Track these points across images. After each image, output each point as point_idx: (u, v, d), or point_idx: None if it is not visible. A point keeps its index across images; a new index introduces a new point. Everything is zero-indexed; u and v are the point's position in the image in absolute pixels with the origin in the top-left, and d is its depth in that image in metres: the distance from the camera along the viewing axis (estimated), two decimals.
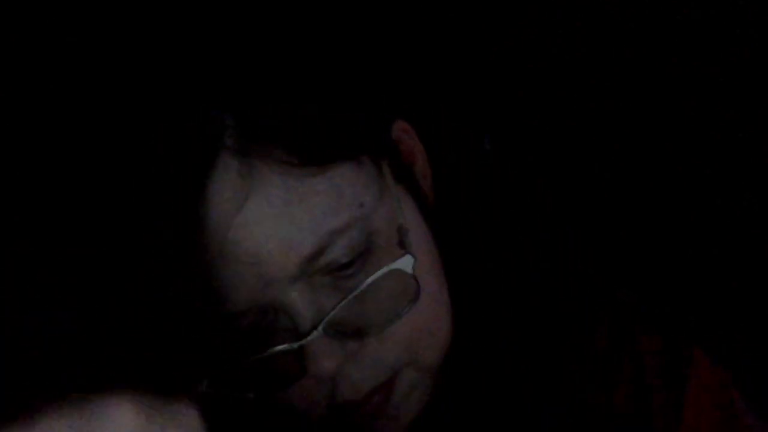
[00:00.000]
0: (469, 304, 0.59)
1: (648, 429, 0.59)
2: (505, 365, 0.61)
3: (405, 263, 0.55)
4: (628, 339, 0.61)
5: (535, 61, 0.83)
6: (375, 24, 0.74)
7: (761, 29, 0.79)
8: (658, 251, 0.84)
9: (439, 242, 0.59)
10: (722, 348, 0.62)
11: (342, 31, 0.62)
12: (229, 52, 0.53)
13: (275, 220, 0.51)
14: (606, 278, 0.67)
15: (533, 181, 0.83)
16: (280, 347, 0.53)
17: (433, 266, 0.58)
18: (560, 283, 0.66)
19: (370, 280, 0.54)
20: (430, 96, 0.73)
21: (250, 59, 0.54)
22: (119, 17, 0.55)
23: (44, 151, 0.55)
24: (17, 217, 0.56)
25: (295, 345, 0.53)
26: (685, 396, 0.59)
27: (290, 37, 0.56)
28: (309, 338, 0.53)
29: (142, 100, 0.52)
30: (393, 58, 0.72)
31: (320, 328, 0.53)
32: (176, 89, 0.52)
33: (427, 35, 0.79)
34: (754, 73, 0.80)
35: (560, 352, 0.61)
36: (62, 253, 0.54)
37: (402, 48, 0.75)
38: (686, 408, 0.59)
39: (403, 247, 0.56)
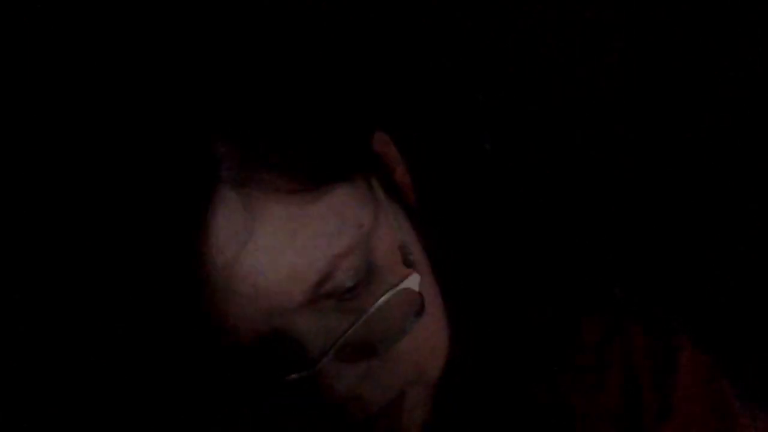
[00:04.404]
0: (460, 310, 0.59)
1: (638, 423, 0.59)
2: (496, 366, 0.61)
3: (412, 282, 0.54)
4: (618, 334, 0.61)
5: (535, 61, 0.83)
6: (356, 30, 0.74)
7: (761, 29, 0.79)
8: (648, 246, 0.84)
9: (428, 249, 0.59)
10: (711, 336, 0.62)
11: (325, 44, 0.61)
12: (216, 76, 0.52)
13: (280, 251, 0.50)
14: (595, 274, 0.67)
15: (524, 180, 0.83)
16: (291, 376, 0.52)
17: (428, 277, 0.57)
18: (550, 281, 0.66)
19: (379, 302, 0.53)
20: (404, 102, 0.73)
21: (236, 81, 0.52)
22: (110, 44, 0.54)
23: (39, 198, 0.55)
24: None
25: (307, 372, 0.52)
26: (674, 387, 0.59)
27: (274, 56, 0.54)
28: (321, 364, 0.52)
29: (135, 129, 0.50)
30: (372, 66, 0.72)
31: (331, 353, 0.52)
32: (167, 117, 0.50)
33: (418, 38, 0.80)
34: (754, 73, 0.80)
35: (550, 350, 0.61)
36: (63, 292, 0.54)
37: (384, 55, 0.74)
38: (676, 398, 0.59)
39: (409, 265, 0.55)
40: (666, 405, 0.59)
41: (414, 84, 0.78)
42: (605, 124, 0.84)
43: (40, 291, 0.57)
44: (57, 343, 0.57)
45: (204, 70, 0.52)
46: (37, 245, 0.55)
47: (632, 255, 0.84)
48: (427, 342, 0.56)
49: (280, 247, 0.50)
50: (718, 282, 0.83)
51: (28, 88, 0.59)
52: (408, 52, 0.78)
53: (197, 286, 0.50)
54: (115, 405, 0.55)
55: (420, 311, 0.55)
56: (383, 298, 0.53)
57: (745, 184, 0.82)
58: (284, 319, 0.52)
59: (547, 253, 0.73)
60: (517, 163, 0.84)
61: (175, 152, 0.49)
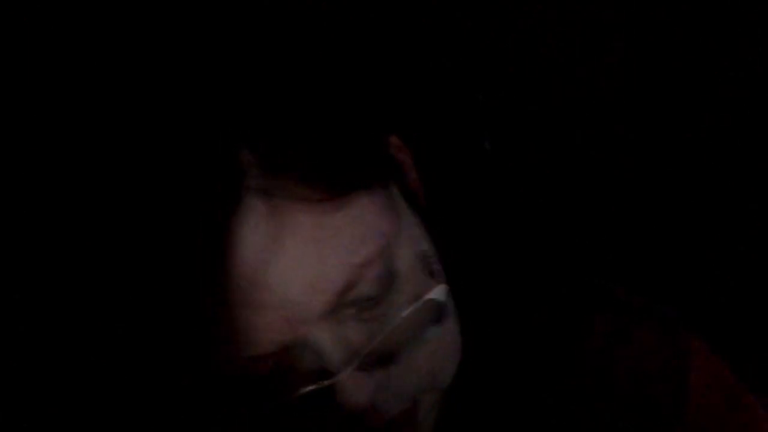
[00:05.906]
0: (466, 313, 0.58)
1: (650, 425, 0.59)
2: (506, 367, 0.60)
3: (439, 293, 0.54)
4: (626, 335, 0.61)
5: (535, 61, 0.83)
6: (363, 32, 0.74)
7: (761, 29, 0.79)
8: (649, 246, 0.84)
9: (438, 252, 0.58)
10: (711, 336, 0.62)
11: (341, 50, 0.61)
12: (241, 87, 0.52)
13: (305, 261, 0.50)
14: (602, 274, 0.66)
15: (524, 180, 0.83)
16: (310, 387, 0.51)
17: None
18: (552, 282, 0.65)
19: (405, 313, 0.52)
20: (404, 102, 0.73)
21: (260, 91, 0.52)
22: (134, 53, 0.54)
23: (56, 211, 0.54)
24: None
25: (326, 383, 0.51)
26: (688, 388, 0.59)
27: (296, 65, 0.54)
28: (341, 375, 0.51)
29: (161, 139, 0.50)
30: (382, 70, 0.72)
31: (354, 364, 0.51)
32: (194, 127, 0.50)
33: (419, 39, 0.80)
34: (754, 73, 0.80)
35: (556, 352, 0.61)
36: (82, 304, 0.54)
37: (391, 58, 0.74)
38: (690, 399, 0.59)
39: (433, 275, 0.55)
40: (680, 405, 0.59)
41: (414, 84, 0.78)
42: (605, 124, 0.84)
43: (51, 297, 0.56)
44: (64, 347, 0.57)
45: (229, 81, 0.52)
46: (56, 252, 0.55)
47: (633, 255, 0.84)
48: (442, 349, 0.56)
49: (305, 256, 0.50)
50: (718, 282, 0.83)
51: (52, 94, 0.59)
52: (408, 53, 0.78)
53: (221, 298, 0.49)
54: (130, 412, 0.55)
55: (440, 319, 0.55)
56: (408, 310, 0.53)
57: (745, 184, 0.83)
58: (305, 329, 0.51)
59: (549, 254, 0.73)
60: (517, 163, 0.84)
61: (201, 162, 0.49)
